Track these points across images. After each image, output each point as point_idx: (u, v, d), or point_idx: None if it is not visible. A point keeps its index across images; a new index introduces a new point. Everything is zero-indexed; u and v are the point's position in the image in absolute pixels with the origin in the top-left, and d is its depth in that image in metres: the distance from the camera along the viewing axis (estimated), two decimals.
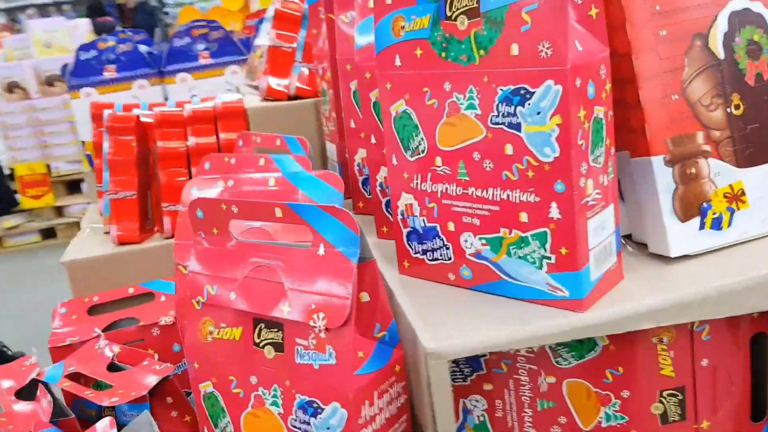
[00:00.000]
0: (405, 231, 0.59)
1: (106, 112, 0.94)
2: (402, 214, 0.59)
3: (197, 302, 0.55)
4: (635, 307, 0.50)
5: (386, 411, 0.50)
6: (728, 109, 0.53)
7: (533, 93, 0.47)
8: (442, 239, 0.56)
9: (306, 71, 0.96)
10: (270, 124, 0.95)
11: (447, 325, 0.50)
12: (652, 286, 0.52)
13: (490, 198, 0.52)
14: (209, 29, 1.30)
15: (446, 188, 0.55)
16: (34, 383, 0.66)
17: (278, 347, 0.51)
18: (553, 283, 0.51)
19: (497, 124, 0.50)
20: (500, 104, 0.49)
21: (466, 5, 0.50)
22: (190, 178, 0.92)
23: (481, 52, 0.50)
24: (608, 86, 0.50)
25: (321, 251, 0.49)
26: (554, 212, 0.49)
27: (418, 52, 0.54)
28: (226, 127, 0.96)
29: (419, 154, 0.56)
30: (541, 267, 0.51)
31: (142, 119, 0.94)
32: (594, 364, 0.56)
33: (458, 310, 0.53)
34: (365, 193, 0.78)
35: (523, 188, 0.50)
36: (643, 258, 0.57)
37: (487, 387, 0.57)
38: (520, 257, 0.52)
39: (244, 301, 0.52)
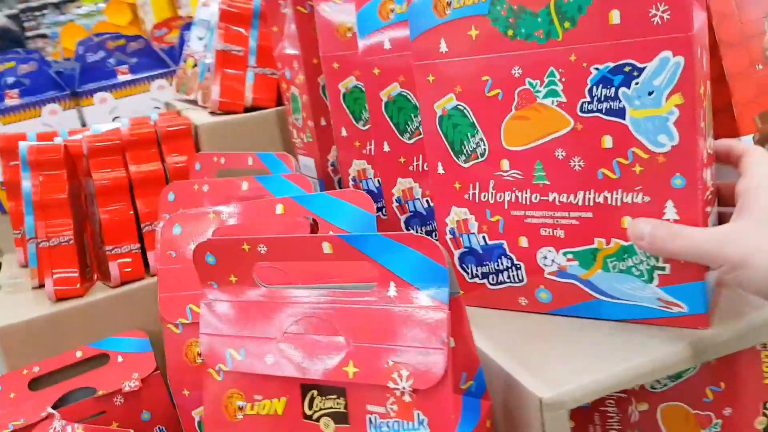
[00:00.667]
0: (457, 253, 0.50)
1: (23, 144, 0.79)
2: (452, 233, 0.50)
3: (217, 372, 0.44)
4: (762, 315, 0.43)
5: None
6: None
7: (642, 69, 0.39)
8: (510, 258, 0.48)
9: (266, 76, 0.84)
10: (225, 142, 0.83)
11: (550, 364, 0.41)
12: None
13: (581, 203, 0.43)
14: (126, 40, 1.15)
15: (516, 196, 0.46)
16: None
17: (340, 419, 0.40)
18: (666, 298, 0.43)
19: (591, 111, 0.42)
20: (595, 87, 0.41)
21: None
22: (136, 214, 0.78)
23: (566, 24, 0.41)
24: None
25: (392, 292, 0.39)
26: (670, 212, 0.41)
27: (473, 32, 0.44)
28: (173, 149, 0.82)
29: (478, 158, 0.47)
30: (651, 280, 0.43)
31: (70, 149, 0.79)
32: (692, 383, 0.49)
33: (551, 343, 0.44)
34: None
35: (628, 187, 0.42)
36: None
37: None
38: (621, 271, 0.44)
39: (287, 364, 0.41)
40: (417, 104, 0.55)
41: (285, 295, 0.43)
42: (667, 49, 0.38)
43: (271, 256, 0.42)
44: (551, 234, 0.45)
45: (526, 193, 0.45)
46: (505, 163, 0.46)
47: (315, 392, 0.41)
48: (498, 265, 0.48)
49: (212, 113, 0.87)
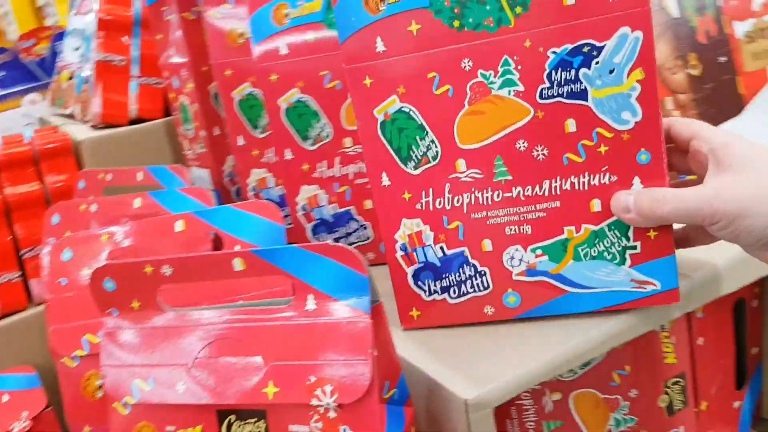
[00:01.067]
0: (411, 270, 0.47)
1: None
2: (404, 249, 0.46)
3: (123, 406, 0.41)
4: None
5: None
6: (688, 71, 0.50)
7: (602, 48, 0.39)
8: (473, 265, 0.45)
9: (151, 86, 0.80)
10: (110, 157, 0.78)
11: (472, 365, 0.41)
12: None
13: (547, 193, 0.43)
14: None
15: (476, 198, 0.44)
16: None
17: None
18: (640, 278, 0.43)
19: (551, 97, 0.41)
20: (554, 72, 0.41)
21: None
22: (13, 238, 0.73)
23: (518, 9, 0.40)
24: None
25: (310, 305, 0.37)
26: (637, 188, 0.41)
27: (414, 27, 0.42)
28: (52, 168, 0.77)
29: (429, 162, 0.44)
30: (623, 262, 0.43)
31: None
32: (600, 369, 0.50)
33: (472, 343, 0.44)
34: None
35: (594, 169, 0.42)
36: None
37: None
38: (593, 257, 0.43)
39: (200, 390, 0.39)
40: (318, 110, 0.55)
41: (194, 317, 0.41)
42: (626, 25, 0.38)
43: (177, 277, 0.40)
44: (517, 231, 0.44)
45: (487, 192, 0.44)
46: (461, 164, 0.44)
47: (233, 417, 0.39)
48: (459, 276, 0.46)
49: (94, 127, 0.82)
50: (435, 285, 0.47)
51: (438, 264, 0.46)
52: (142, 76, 0.81)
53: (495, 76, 0.42)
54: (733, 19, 0.53)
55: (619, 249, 0.43)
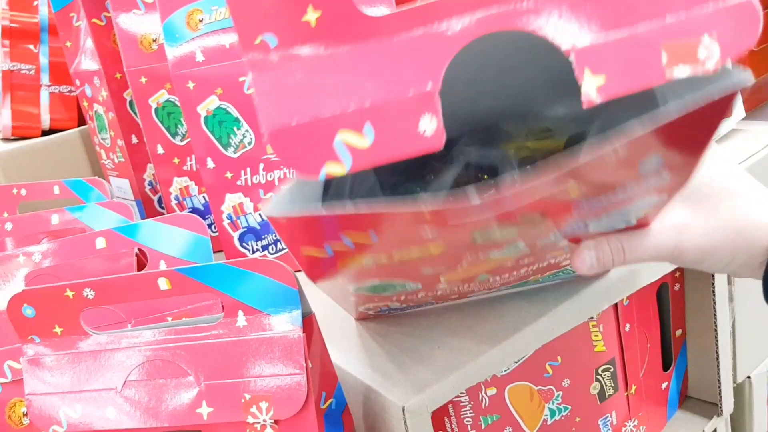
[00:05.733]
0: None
1: None
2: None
3: None
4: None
5: None
6: None
7: None
8: None
9: (64, 95, 0.78)
10: (24, 171, 0.76)
11: (408, 369, 0.42)
12: None
13: None
14: None
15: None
16: None
17: None
18: None
19: None
20: None
21: None
22: None
23: None
24: None
25: (241, 321, 0.38)
26: None
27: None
28: None
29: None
30: None
31: None
32: (533, 361, 0.52)
33: (406, 347, 0.45)
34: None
35: None
36: None
37: None
38: None
39: (131, 415, 0.39)
40: (239, 116, 0.57)
41: (121, 339, 0.40)
42: None
43: (100, 300, 0.39)
44: None
45: None
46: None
47: None
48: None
49: (5, 140, 0.79)
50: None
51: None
52: (53, 84, 0.79)
53: None
54: None
55: None
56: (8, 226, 0.58)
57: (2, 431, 0.48)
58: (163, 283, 0.38)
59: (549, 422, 0.54)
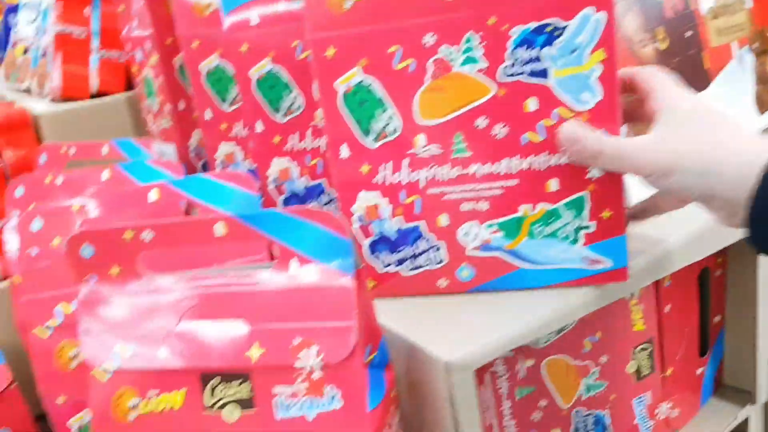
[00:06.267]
0: (366, 242, 0.48)
1: None
2: (360, 221, 0.48)
3: (103, 372, 0.41)
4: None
5: None
6: (656, 45, 0.52)
7: (564, 28, 0.40)
8: (428, 239, 0.47)
9: (113, 60, 0.79)
10: (71, 133, 0.78)
11: (451, 329, 0.43)
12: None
13: (504, 172, 0.44)
14: None
15: (434, 174, 0.45)
16: None
17: (245, 404, 0.40)
18: (592, 256, 0.45)
19: (513, 75, 0.42)
20: (517, 50, 0.42)
21: None
22: None
23: None
24: None
25: (294, 269, 0.38)
26: (594, 170, 0.43)
27: None
28: (10, 142, 0.76)
29: (388, 136, 0.46)
30: (576, 241, 0.45)
31: None
32: (572, 336, 0.53)
33: (450, 310, 0.45)
34: None
35: (553, 149, 0.43)
36: None
37: None
38: (546, 236, 0.45)
39: (183, 354, 0.40)
40: (290, 81, 0.55)
41: (176, 283, 0.41)
42: (590, 5, 0.40)
43: (157, 242, 0.40)
44: (473, 208, 0.46)
45: (445, 168, 0.45)
46: (420, 139, 0.45)
47: (216, 380, 0.40)
48: (415, 249, 0.48)
49: (53, 101, 0.81)
50: (390, 257, 0.48)
51: (394, 237, 0.48)
52: (103, 49, 0.80)
53: (457, 52, 0.43)
54: None
55: (574, 228, 0.45)
56: (59, 180, 0.60)
57: (51, 373, 0.50)
58: (220, 228, 0.39)
59: (584, 398, 0.54)
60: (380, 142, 0.46)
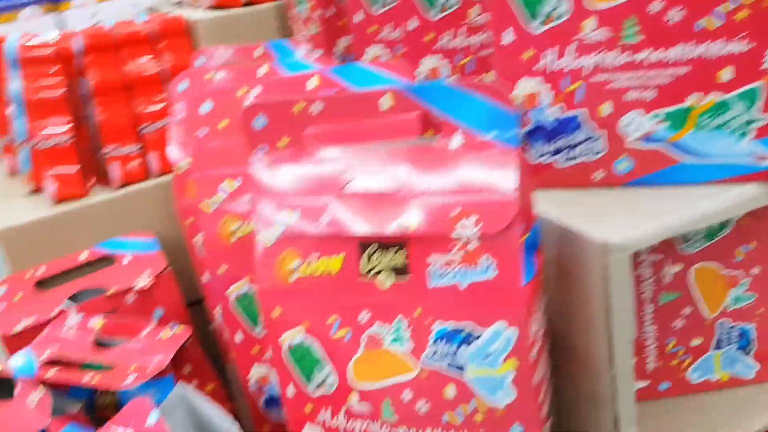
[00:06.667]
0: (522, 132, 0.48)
1: (12, 42, 0.76)
2: None
3: (268, 235, 0.44)
4: None
5: (540, 325, 0.43)
6: None
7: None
8: (587, 129, 0.46)
9: None
10: (224, 40, 0.81)
11: (606, 215, 0.43)
12: None
13: (675, 59, 0.43)
14: None
15: (602, 59, 0.44)
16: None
17: (400, 271, 0.41)
18: (761, 152, 0.44)
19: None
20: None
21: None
22: (133, 114, 0.77)
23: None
24: None
25: (456, 142, 0.40)
26: None
27: None
28: (170, 47, 0.80)
29: (555, 20, 0.44)
30: (744, 134, 0.44)
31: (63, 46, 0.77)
32: (725, 242, 0.51)
33: (603, 198, 0.45)
34: None
35: (731, 34, 0.41)
36: None
37: None
38: (714, 128, 0.44)
39: (344, 221, 0.42)
40: None
41: (342, 154, 0.43)
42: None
43: (324, 116, 0.42)
44: (639, 97, 0.44)
45: (614, 54, 0.44)
46: (589, 23, 0.43)
47: (374, 247, 0.42)
48: (572, 139, 0.46)
49: (208, 8, 0.85)
50: (546, 148, 0.48)
51: (551, 127, 0.47)
52: None
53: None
54: None
55: (744, 121, 0.43)
56: (220, 74, 0.63)
57: (215, 244, 0.54)
58: (386, 101, 0.41)
59: (730, 309, 0.53)
60: (546, 27, 0.44)
